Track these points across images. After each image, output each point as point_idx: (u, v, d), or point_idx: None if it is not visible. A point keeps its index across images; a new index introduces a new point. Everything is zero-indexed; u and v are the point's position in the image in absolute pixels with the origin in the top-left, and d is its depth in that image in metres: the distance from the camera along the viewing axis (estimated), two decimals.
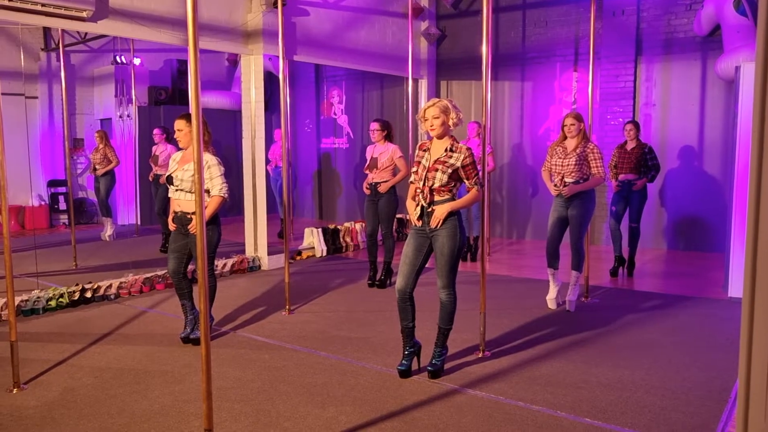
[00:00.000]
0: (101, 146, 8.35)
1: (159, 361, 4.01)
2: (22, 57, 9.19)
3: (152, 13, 5.86)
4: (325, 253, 7.85)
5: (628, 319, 4.93)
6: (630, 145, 6.33)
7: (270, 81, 9.98)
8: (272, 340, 4.45)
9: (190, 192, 4.14)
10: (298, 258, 7.57)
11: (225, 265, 6.62)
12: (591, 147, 4.92)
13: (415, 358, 3.80)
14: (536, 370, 3.83)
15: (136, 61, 9.93)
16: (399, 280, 3.66)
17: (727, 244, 5.63)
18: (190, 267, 4.58)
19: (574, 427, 3.06)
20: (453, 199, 3.62)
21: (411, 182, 3.75)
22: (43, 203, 10.18)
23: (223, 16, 6.55)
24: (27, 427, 3.09)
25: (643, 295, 5.68)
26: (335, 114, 10.97)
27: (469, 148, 3.59)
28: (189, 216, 4.17)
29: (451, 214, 3.59)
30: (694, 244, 7.83)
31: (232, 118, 11.01)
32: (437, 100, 3.62)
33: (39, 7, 5.04)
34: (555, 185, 5.03)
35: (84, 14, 5.28)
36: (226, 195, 4.17)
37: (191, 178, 4.06)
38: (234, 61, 11.44)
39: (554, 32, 8.55)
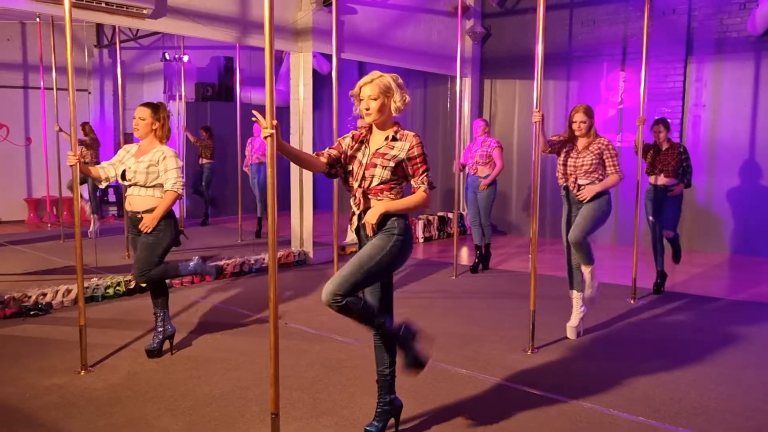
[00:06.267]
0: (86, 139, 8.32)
1: (216, 349, 4.15)
2: (86, 53, 9.49)
3: (208, 11, 6.03)
4: None
5: (680, 320, 4.88)
6: (664, 146, 5.66)
7: (315, 79, 10.09)
8: (322, 332, 4.54)
9: (144, 186, 3.86)
10: (342, 253, 7.66)
11: None
12: (606, 144, 4.43)
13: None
14: (586, 368, 3.84)
15: (185, 58, 10.16)
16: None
17: None
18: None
19: (629, 425, 3.07)
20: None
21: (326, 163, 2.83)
22: None
23: (273, 14, 6.67)
24: (98, 407, 3.25)
25: (696, 298, 5.59)
26: None
27: (417, 136, 2.72)
28: (139, 216, 3.85)
29: (390, 219, 2.68)
30: (749, 248, 7.65)
31: (278, 113, 11.18)
32: (378, 74, 2.73)
33: (103, 5, 5.24)
34: (565, 186, 4.58)
35: (145, 11, 5.47)
36: (181, 191, 3.88)
37: (146, 170, 3.82)
38: (279, 57, 11.60)
39: (602, 31, 8.46)
